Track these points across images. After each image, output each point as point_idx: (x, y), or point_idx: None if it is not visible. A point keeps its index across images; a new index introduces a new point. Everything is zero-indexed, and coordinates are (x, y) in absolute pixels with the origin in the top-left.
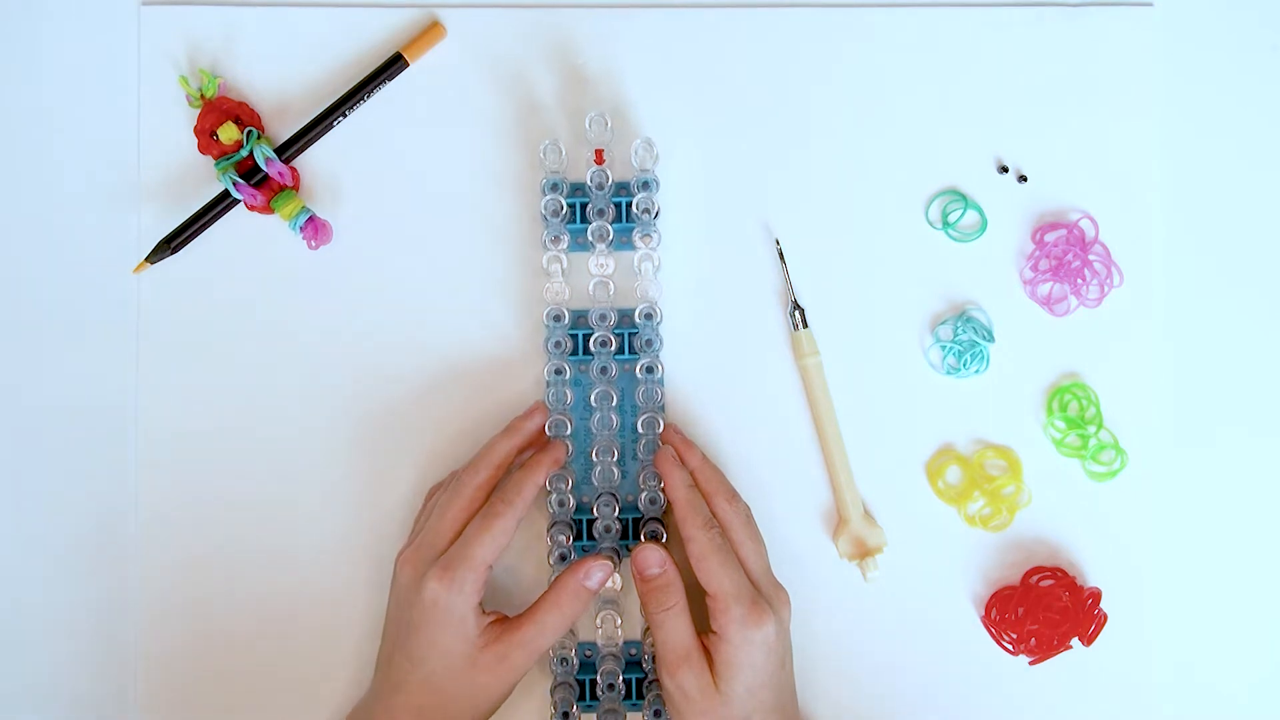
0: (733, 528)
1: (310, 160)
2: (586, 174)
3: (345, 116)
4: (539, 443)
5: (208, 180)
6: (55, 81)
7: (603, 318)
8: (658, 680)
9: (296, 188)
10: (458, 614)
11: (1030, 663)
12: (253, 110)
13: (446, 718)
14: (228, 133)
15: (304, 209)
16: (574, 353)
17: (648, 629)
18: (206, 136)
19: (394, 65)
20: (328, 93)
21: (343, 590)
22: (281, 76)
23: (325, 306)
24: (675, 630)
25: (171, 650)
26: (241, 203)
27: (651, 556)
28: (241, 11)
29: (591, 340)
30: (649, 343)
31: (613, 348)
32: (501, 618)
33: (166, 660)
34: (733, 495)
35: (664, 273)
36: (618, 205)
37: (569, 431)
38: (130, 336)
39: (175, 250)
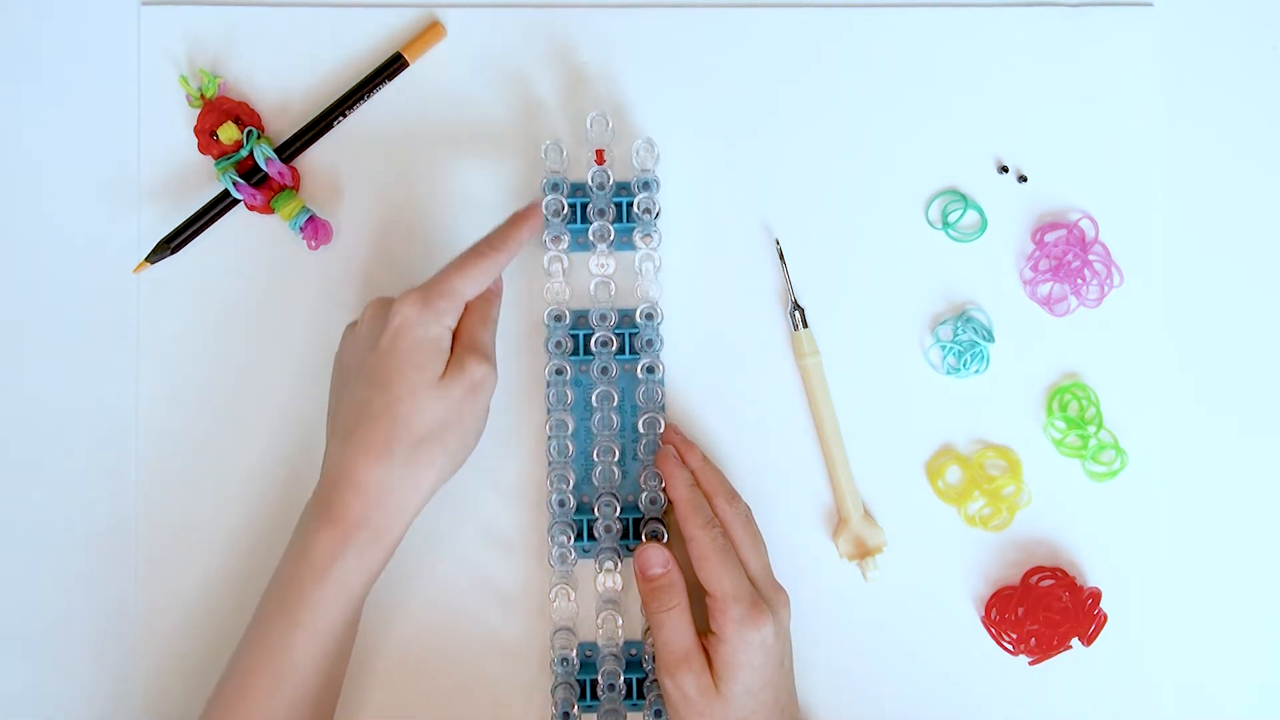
0: (733, 528)
1: (310, 160)
2: (587, 174)
3: (345, 116)
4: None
5: (208, 180)
6: (55, 81)
7: (603, 318)
8: (657, 681)
9: (296, 188)
10: (431, 337)
11: (1030, 663)
12: (253, 110)
13: (416, 457)
14: (228, 133)
15: (304, 209)
16: (574, 353)
17: (648, 629)
18: (206, 136)
19: (394, 65)
20: (328, 93)
21: None
22: (281, 76)
23: (325, 306)
24: (676, 630)
25: (172, 654)
26: (241, 203)
27: (655, 556)
28: (241, 11)
29: (592, 340)
30: (649, 343)
31: (613, 348)
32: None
33: (167, 664)
34: (733, 496)
35: (664, 273)
36: (618, 205)
37: (570, 431)
38: (130, 336)
39: (175, 250)
